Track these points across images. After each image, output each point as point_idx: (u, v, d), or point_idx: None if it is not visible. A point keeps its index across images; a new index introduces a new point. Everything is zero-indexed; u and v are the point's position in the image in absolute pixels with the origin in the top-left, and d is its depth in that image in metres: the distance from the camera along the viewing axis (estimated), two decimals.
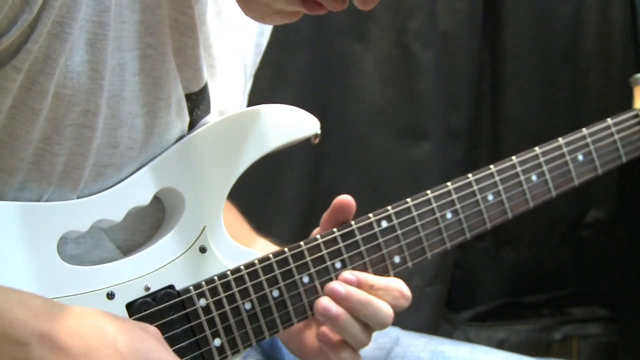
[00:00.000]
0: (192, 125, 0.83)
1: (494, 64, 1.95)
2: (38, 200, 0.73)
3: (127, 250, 0.80)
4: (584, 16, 1.94)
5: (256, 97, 1.06)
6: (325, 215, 0.89)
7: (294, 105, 1.93)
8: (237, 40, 0.91)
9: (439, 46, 1.85)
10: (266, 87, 1.05)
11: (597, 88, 1.96)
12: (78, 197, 0.75)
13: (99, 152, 0.74)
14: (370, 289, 0.84)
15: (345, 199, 0.88)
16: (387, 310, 0.84)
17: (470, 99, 1.94)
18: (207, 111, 0.85)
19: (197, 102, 0.83)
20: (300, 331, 0.92)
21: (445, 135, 1.90)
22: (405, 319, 1.84)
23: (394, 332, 1.05)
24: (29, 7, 0.64)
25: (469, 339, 1.97)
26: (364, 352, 1.02)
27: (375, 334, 1.04)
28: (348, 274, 0.85)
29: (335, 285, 0.84)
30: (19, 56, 0.66)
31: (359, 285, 0.84)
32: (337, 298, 0.83)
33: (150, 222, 0.82)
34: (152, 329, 0.72)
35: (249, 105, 1.02)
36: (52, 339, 0.64)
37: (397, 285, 0.86)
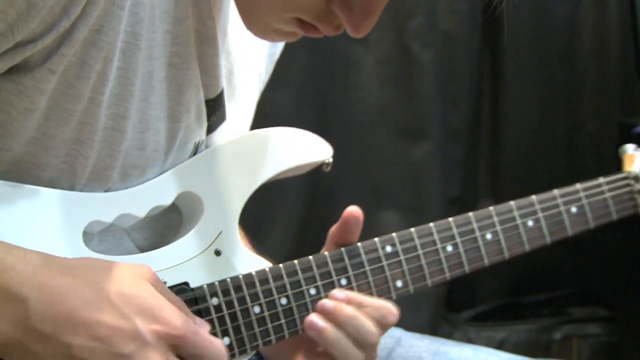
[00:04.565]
0: (210, 131, 0.86)
1: (494, 64, 1.95)
2: None
3: (144, 250, 0.84)
4: (582, 16, 1.95)
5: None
6: (334, 228, 0.91)
7: (294, 105, 1.93)
8: (251, 48, 0.94)
9: (439, 46, 1.85)
10: (266, 87, 1.06)
11: (595, 87, 1.97)
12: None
13: (127, 154, 0.77)
14: (359, 306, 0.87)
15: (356, 210, 0.91)
16: (371, 327, 0.86)
17: (470, 99, 1.94)
18: (222, 117, 0.88)
19: (215, 108, 0.86)
20: (292, 353, 0.94)
21: (445, 135, 1.90)
22: (405, 318, 1.84)
23: (397, 332, 1.05)
24: (67, 15, 0.67)
25: (469, 339, 1.97)
26: None
27: None
28: (338, 291, 0.87)
29: (324, 300, 0.87)
30: (54, 59, 0.69)
31: (348, 301, 0.87)
32: (326, 312, 0.86)
33: (165, 223, 0.85)
34: (147, 272, 0.73)
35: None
36: (48, 293, 0.67)
37: (386, 304, 0.88)
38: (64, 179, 0.75)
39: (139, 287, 0.71)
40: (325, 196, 1.82)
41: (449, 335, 1.94)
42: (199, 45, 0.81)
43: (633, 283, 1.94)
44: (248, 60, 0.94)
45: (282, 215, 1.79)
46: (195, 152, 0.85)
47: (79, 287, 0.68)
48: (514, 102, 1.97)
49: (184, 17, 0.77)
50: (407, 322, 1.11)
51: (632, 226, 1.95)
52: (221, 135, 0.88)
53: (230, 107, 0.89)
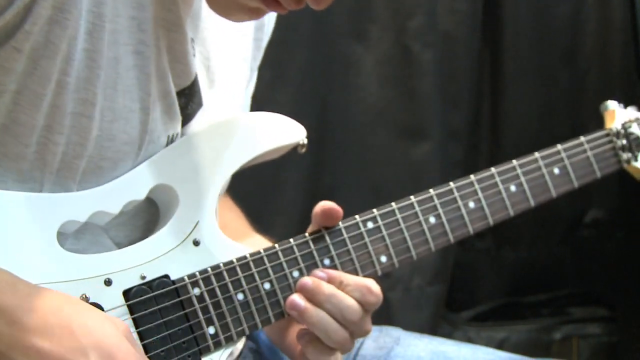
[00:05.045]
0: (189, 119, 0.86)
1: (494, 64, 1.95)
2: (40, 192, 0.76)
3: (123, 247, 0.82)
4: (583, 16, 1.94)
5: (256, 96, 1.06)
6: (318, 209, 0.91)
7: (293, 105, 1.93)
8: (231, 33, 0.94)
9: (439, 46, 1.85)
10: (266, 87, 1.06)
11: (596, 88, 1.97)
12: (78, 190, 0.78)
13: (97, 144, 0.76)
14: (340, 284, 0.87)
15: (334, 207, 0.90)
16: (353, 304, 0.86)
17: (470, 99, 1.94)
18: (199, 104, 0.87)
19: (191, 95, 0.85)
20: (290, 330, 0.94)
21: (445, 135, 1.90)
22: (405, 318, 1.84)
23: (396, 332, 1.05)
24: None
25: (469, 339, 1.97)
26: (364, 350, 1.02)
27: (376, 334, 1.04)
28: (319, 271, 0.88)
29: (305, 279, 0.87)
30: (17, 36, 0.69)
31: (329, 280, 0.87)
32: (305, 290, 0.86)
33: (146, 217, 0.85)
34: (121, 324, 0.72)
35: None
36: (9, 313, 0.66)
37: (366, 282, 0.88)
38: (35, 170, 0.74)
39: (105, 326, 0.69)
40: (325, 196, 1.81)
41: (449, 335, 1.94)
42: (167, 33, 0.80)
43: (633, 283, 1.94)
44: (229, 45, 0.93)
45: (282, 215, 1.79)
46: (168, 145, 0.85)
47: (42, 310, 0.67)
48: (514, 102, 1.97)
49: (148, 4, 0.77)
50: (407, 322, 1.12)
51: (632, 226, 1.95)
52: (199, 122, 0.87)
53: (210, 93, 0.89)
